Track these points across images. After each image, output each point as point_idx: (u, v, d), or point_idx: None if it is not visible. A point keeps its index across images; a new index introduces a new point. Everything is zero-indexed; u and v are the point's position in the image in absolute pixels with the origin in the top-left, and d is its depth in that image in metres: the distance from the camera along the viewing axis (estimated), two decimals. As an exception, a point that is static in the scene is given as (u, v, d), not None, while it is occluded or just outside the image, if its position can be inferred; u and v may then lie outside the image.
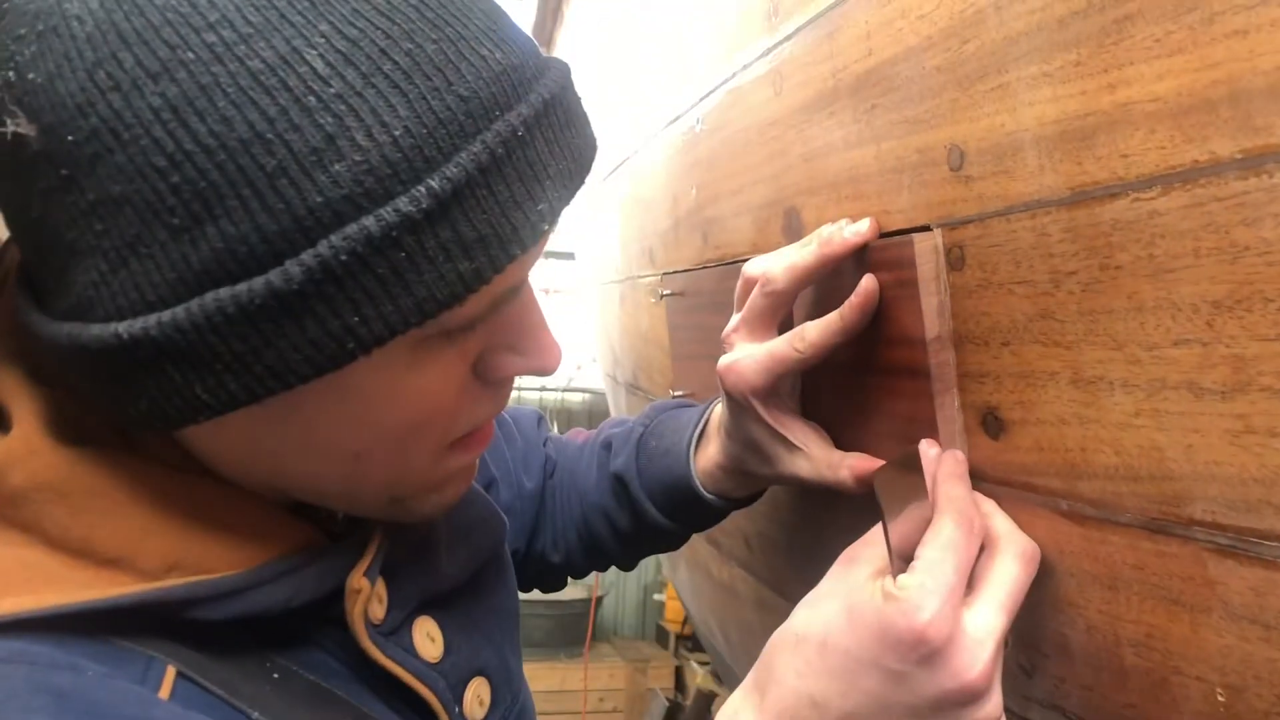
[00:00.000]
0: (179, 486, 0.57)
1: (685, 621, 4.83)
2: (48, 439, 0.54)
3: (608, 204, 1.79)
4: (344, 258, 0.47)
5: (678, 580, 1.90)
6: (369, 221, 0.48)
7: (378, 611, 0.62)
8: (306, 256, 0.47)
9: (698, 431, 0.96)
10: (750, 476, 0.91)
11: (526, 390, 5.44)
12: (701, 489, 0.93)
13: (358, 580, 0.60)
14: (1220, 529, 0.54)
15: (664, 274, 1.41)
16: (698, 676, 4.39)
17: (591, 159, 0.59)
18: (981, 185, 0.69)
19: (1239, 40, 0.49)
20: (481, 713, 0.67)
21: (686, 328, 1.35)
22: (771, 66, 0.98)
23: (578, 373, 5.32)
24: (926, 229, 0.75)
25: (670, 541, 1.01)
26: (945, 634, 0.58)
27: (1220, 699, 0.57)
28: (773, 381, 0.84)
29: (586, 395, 5.61)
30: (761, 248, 1.05)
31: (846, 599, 0.62)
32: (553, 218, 0.53)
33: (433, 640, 0.65)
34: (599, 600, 5.03)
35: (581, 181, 0.57)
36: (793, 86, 0.94)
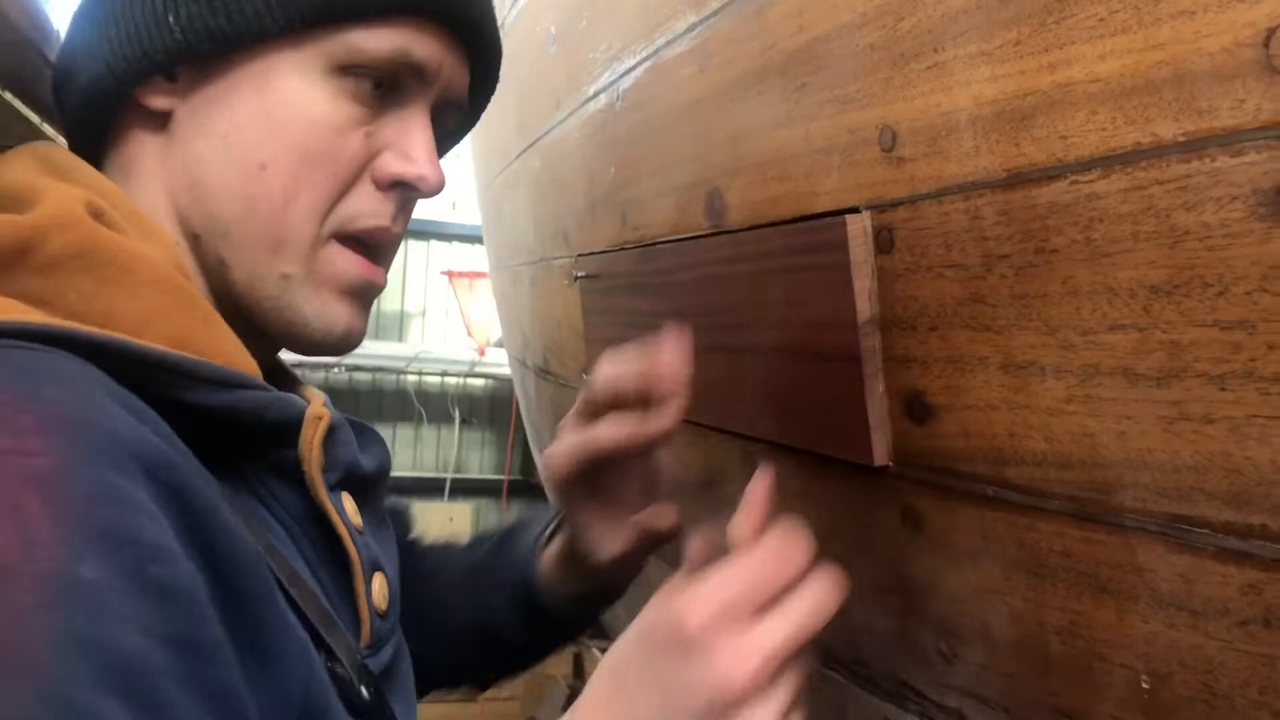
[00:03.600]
0: (187, 291, 0.59)
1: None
2: (84, 214, 0.56)
3: (520, 183, 1.76)
4: None
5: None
6: None
7: (319, 459, 0.62)
8: None
9: (550, 527, 0.93)
10: (585, 565, 0.86)
11: (429, 376, 5.37)
12: (539, 579, 0.89)
13: (318, 408, 0.63)
14: (1150, 516, 0.54)
15: (579, 255, 1.39)
16: (598, 663, 4.37)
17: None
18: (913, 166, 0.68)
19: (1185, 21, 0.48)
20: (384, 606, 0.66)
21: (601, 311, 1.32)
22: (697, 43, 0.96)
23: (481, 358, 5.26)
24: (856, 211, 0.74)
25: (514, 657, 0.95)
26: (705, 625, 0.55)
27: (1144, 686, 0.56)
28: (575, 469, 0.81)
29: (490, 381, 5.55)
30: (683, 229, 1.03)
31: (636, 623, 0.61)
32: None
33: (354, 514, 0.66)
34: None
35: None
36: (719, 64, 0.92)
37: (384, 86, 0.64)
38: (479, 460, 5.68)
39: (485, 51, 0.71)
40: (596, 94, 1.25)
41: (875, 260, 0.73)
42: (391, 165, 0.65)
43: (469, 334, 5.21)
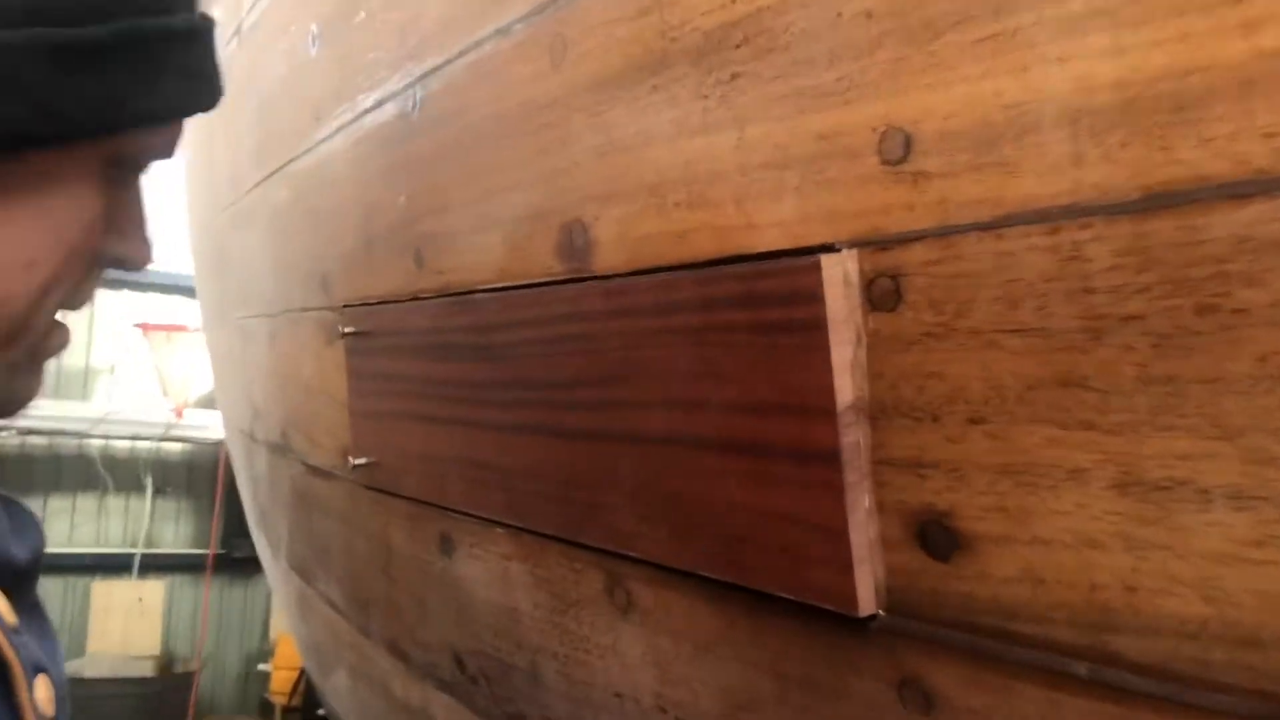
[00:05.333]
0: None
1: (294, 692, 4.37)
2: None
3: (256, 219, 1.45)
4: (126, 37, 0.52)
5: (331, 687, 1.55)
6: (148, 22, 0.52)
7: None
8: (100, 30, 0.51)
9: None
10: None
11: (117, 440, 4.78)
12: None
13: None
14: None
15: (346, 307, 1.10)
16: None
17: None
18: (945, 185, 0.46)
19: None
20: (50, 710, 0.60)
21: (378, 377, 1.04)
22: (546, 29, 0.72)
23: (179, 420, 4.73)
24: (832, 250, 0.52)
25: None
26: None
27: None
28: None
29: (188, 446, 5.01)
30: (516, 273, 0.78)
31: None
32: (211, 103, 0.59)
33: (8, 612, 0.60)
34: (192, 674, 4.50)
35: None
36: (583, 54, 0.69)
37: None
38: (174, 533, 5.11)
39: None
40: (380, 103, 0.98)
41: (865, 320, 0.51)
42: (117, 247, 0.61)
43: (165, 393, 4.68)
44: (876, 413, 0.51)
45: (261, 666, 4.93)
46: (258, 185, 1.41)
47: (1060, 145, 0.42)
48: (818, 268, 0.51)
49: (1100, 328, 0.41)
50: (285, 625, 2.17)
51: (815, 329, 0.52)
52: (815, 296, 0.51)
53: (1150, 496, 0.40)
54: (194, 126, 1.57)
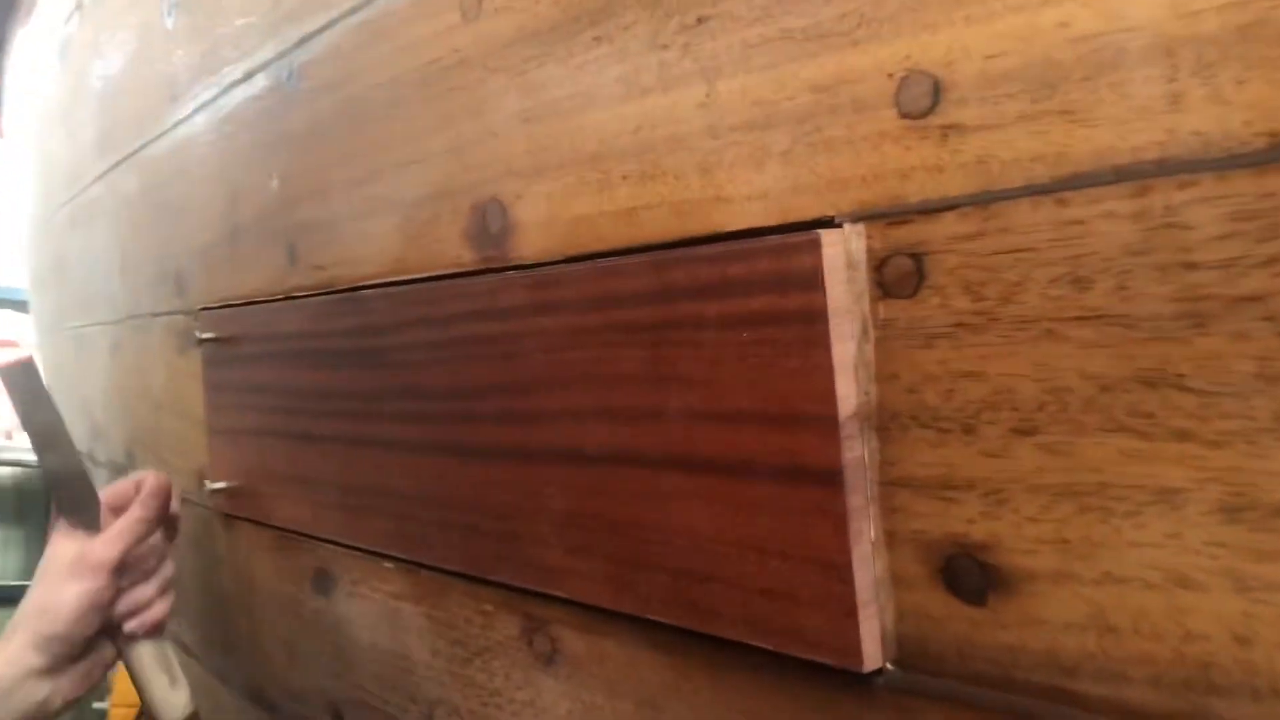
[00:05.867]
0: None
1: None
2: None
3: (98, 215, 1.29)
4: None
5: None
6: None
7: None
8: None
9: None
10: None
11: (-62, 463, 4.41)
12: None
13: None
14: None
15: (203, 310, 0.97)
16: None
17: None
18: (987, 141, 0.38)
19: None
20: None
21: (240, 389, 0.91)
22: (456, -23, 0.61)
23: (8, 442, 4.39)
24: (831, 224, 0.43)
25: None
26: None
27: None
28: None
29: (18, 470, 4.65)
30: (414, 265, 0.67)
31: None
32: None
33: None
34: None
35: None
36: (505, 3, 0.58)
37: None
38: (2, 564, 4.75)
39: None
40: (250, 75, 0.85)
41: (874, 309, 0.42)
42: None
43: (-6, 414, 4.34)
44: (887, 422, 0.42)
45: (97, 705, 4.60)
46: (101, 177, 1.26)
47: (1150, 85, 0.33)
48: (816, 246, 0.42)
49: (1204, 312, 0.33)
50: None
51: (812, 321, 0.42)
52: (813, 281, 0.42)
53: (1270, 524, 0.32)
54: (27, 122, 1.41)
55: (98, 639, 0.79)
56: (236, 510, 0.93)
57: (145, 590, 0.81)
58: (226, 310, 0.92)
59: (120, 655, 0.82)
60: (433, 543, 0.67)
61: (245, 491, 0.91)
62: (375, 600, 0.75)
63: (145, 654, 0.83)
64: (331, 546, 0.80)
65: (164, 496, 0.82)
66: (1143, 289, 0.34)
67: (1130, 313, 0.34)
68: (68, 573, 0.77)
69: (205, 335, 0.94)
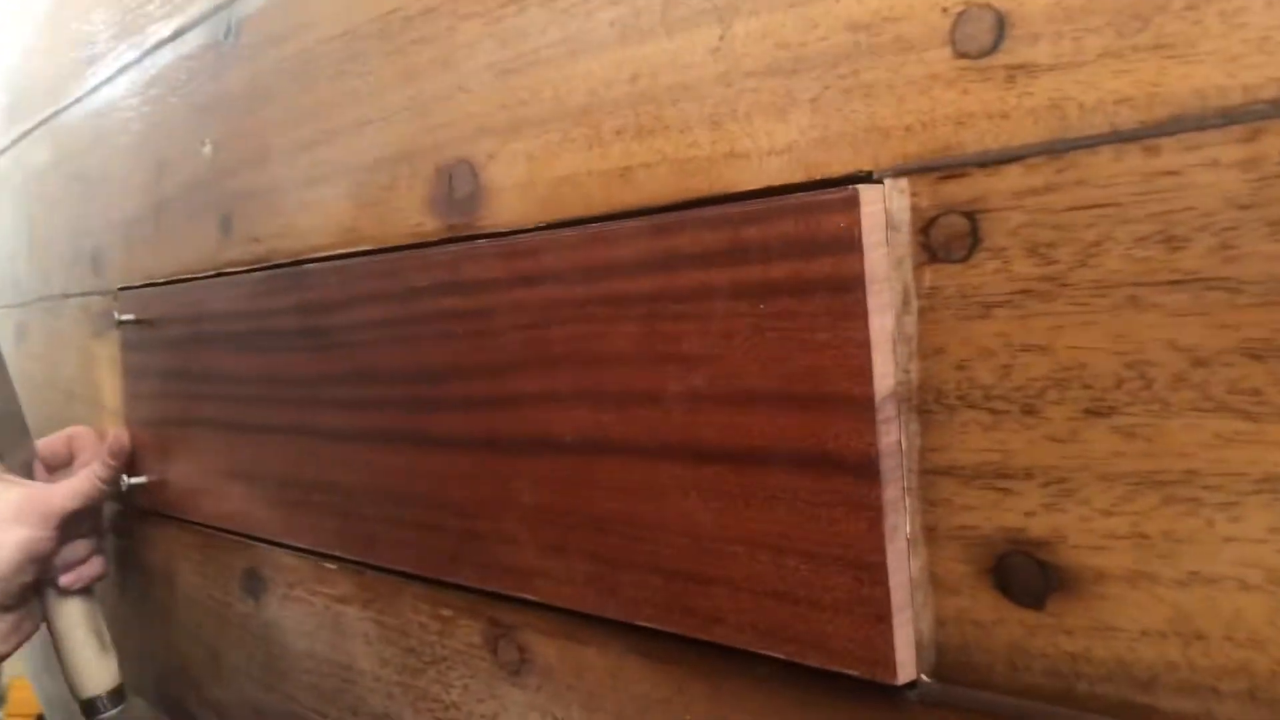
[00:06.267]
0: None
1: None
2: None
3: (5, 190, 1.20)
4: None
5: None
6: None
7: None
8: None
9: None
10: None
11: None
12: None
13: None
14: None
15: (122, 289, 0.89)
16: None
17: None
18: (1062, 82, 0.33)
19: None
20: None
21: (164, 375, 0.84)
22: (423, -83, 0.56)
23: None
24: (870, 179, 0.38)
25: None
26: None
27: None
28: None
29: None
30: (365, 236, 0.61)
31: None
32: None
33: None
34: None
35: None
36: (478, -55, 0.53)
37: None
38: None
39: None
40: (180, 33, 0.78)
41: (918, 275, 0.37)
42: None
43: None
44: (930, 403, 0.37)
45: (-9, 717, 4.40)
46: (6, 150, 1.17)
47: (1272, 11, 0.29)
48: (853, 204, 0.37)
49: (1336, 271, 0.29)
50: (22, 669, 1.88)
51: (845, 290, 0.37)
52: (848, 244, 0.37)
53: None
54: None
55: (29, 593, 0.77)
56: (158, 507, 0.85)
57: (81, 546, 0.80)
58: (149, 289, 0.84)
59: (47, 616, 0.80)
60: (383, 541, 0.61)
61: (168, 486, 0.83)
62: (314, 604, 0.69)
63: (76, 612, 0.80)
64: (265, 545, 0.73)
65: (124, 457, 0.83)
66: (1252, 248, 0.30)
67: (1234, 275, 0.30)
68: (11, 518, 0.74)
69: (125, 317, 0.87)
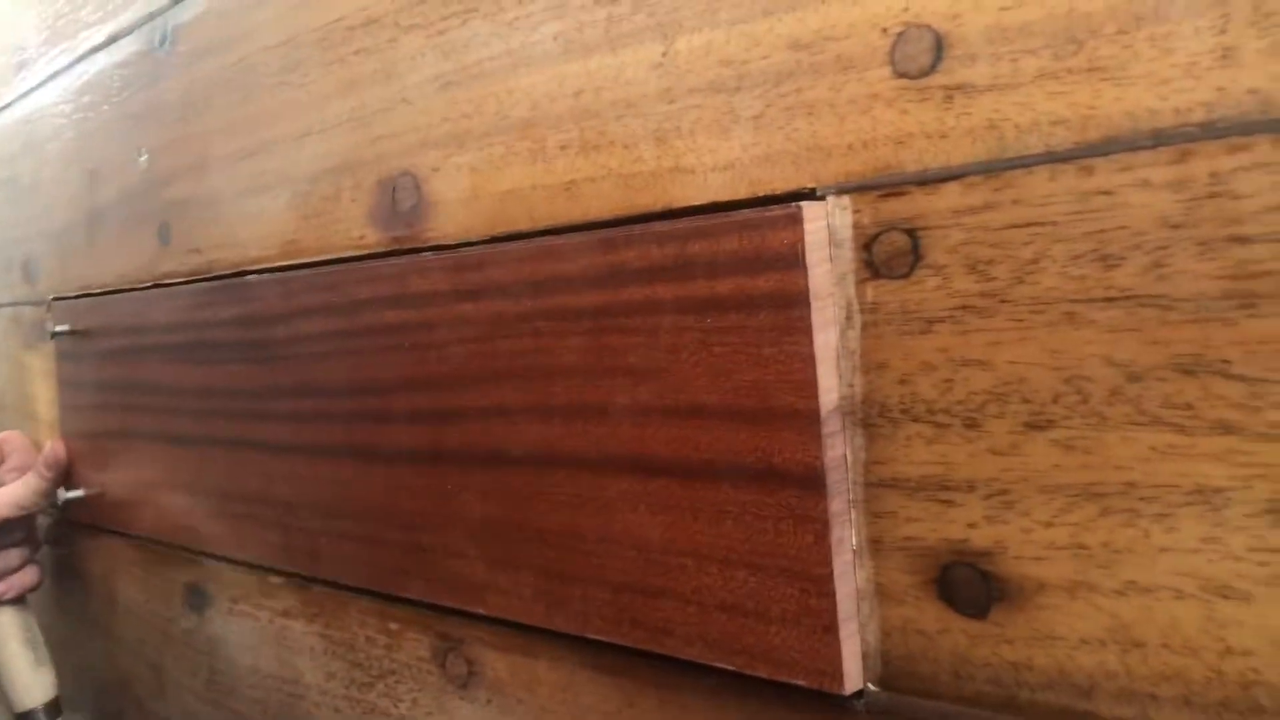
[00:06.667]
0: None
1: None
2: None
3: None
4: None
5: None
6: None
7: None
8: None
9: None
10: None
11: None
12: None
13: None
14: None
15: (55, 299, 0.88)
16: None
17: None
18: (999, 103, 0.34)
19: None
20: None
21: (101, 387, 0.83)
22: (363, -73, 0.55)
23: None
24: (813, 196, 0.38)
25: None
26: None
27: None
28: None
29: None
30: (306, 248, 0.60)
31: None
32: None
33: None
34: None
35: None
36: (419, -43, 0.52)
37: None
38: None
39: None
40: (114, 39, 0.77)
41: (860, 291, 0.38)
42: None
43: None
44: (874, 417, 0.37)
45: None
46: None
47: (1198, 38, 0.30)
48: (797, 220, 0.37)
49: (1256, 291, 0.29)
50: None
51: (790, 305, 0.38)
52: (792, 260, 0.38)
53: (1329, 526, 0.29)
54: None
55: None
56: (96, 520, 0.84)
57: (14, 555, 0.79)
58: (84, 300, 0.83)
59: None
60: (328, 555, 0.61)
61: (106, 500, 0.82)
62: (259, 618, 0.68)
63: (10, 624, 0.79)
64: (208, 560, 0.73)
65: (60, 469, 0.82)
66: (1182, 266, 0.30)
67: (1167, 293, 0.31)
68: None
69: (59, 328, 0.85)
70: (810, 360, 0.37)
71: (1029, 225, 0.33)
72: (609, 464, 0.44)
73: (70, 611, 0.94)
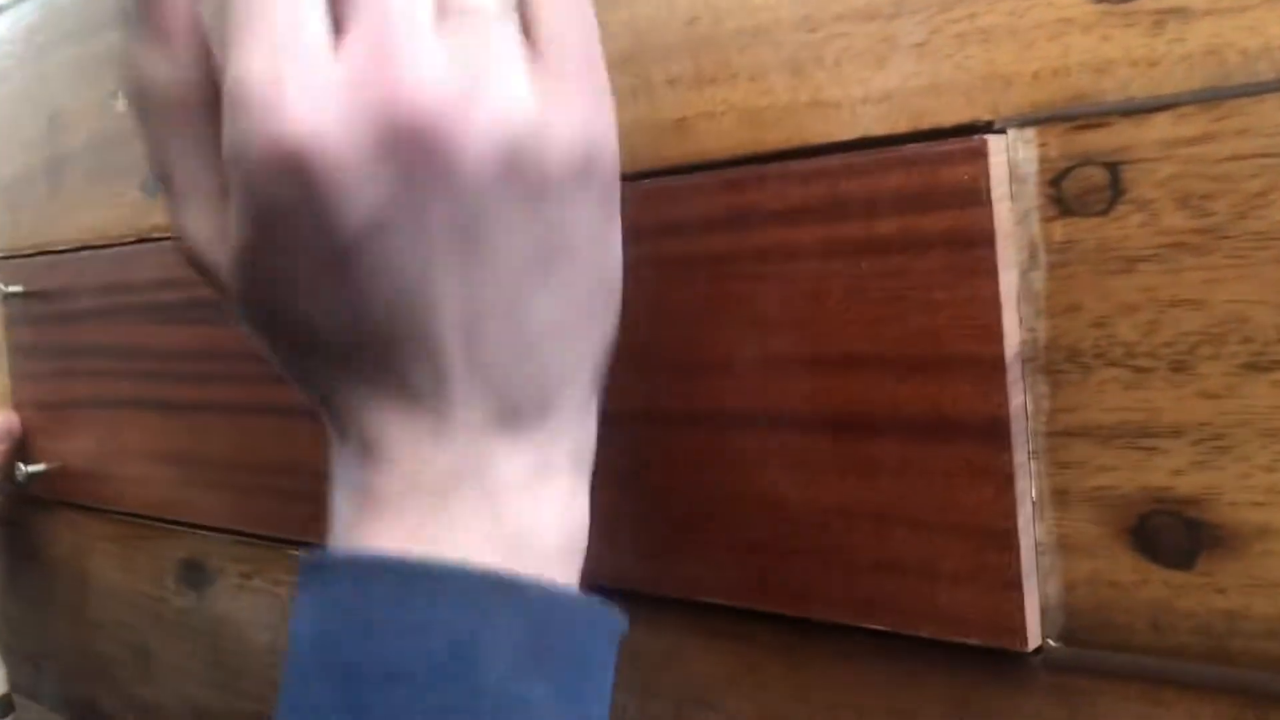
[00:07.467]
0: None
1: None
2: None
3: None
4: None
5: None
6: None
7: None
8: None
9: None
10: None
11: None
12: None
13: None
14: None
15: (5, 258, 0.81)
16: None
17: None
18: (1220, 27, 0.32)
19: None
20: None
21: (65, 353, 0.76)
22: None
23: None
24: (991, 129, 0.36)
25: None
26: None
27: None
28: None
29: None
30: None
31: None
32: None
33: None
34: None
35: None
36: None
37: None
38: None
39: None
40: (74, -31, 0.70)
41: (1046, 230, 0.36)
42: None
43: None
44: (1061, 363, 0.36)
45: None
46: None
47: None
48: (981, 154, 0.35)
49: None
50: None
51: (970, 246, 0.36)
52: (974, 198, 0.35)
53: None
54: None
55: None
56: (65, 496, 0.78)
57: None
58: (44, 258, 0.76)
59: None
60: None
61: (77, 474, 0.76)
62: (277, 595, 0.64)
63: None
64: (208, 533, 0.68)
65: (14, 442, 0.78)
66: None
67: None
68: None
69: (11, 289, 0.78)
70: (995, 304, 0.35)
71: (1256, 157, 0.32)
72: (737, 419, 0.42)
73: (25, 595, 0.87)
